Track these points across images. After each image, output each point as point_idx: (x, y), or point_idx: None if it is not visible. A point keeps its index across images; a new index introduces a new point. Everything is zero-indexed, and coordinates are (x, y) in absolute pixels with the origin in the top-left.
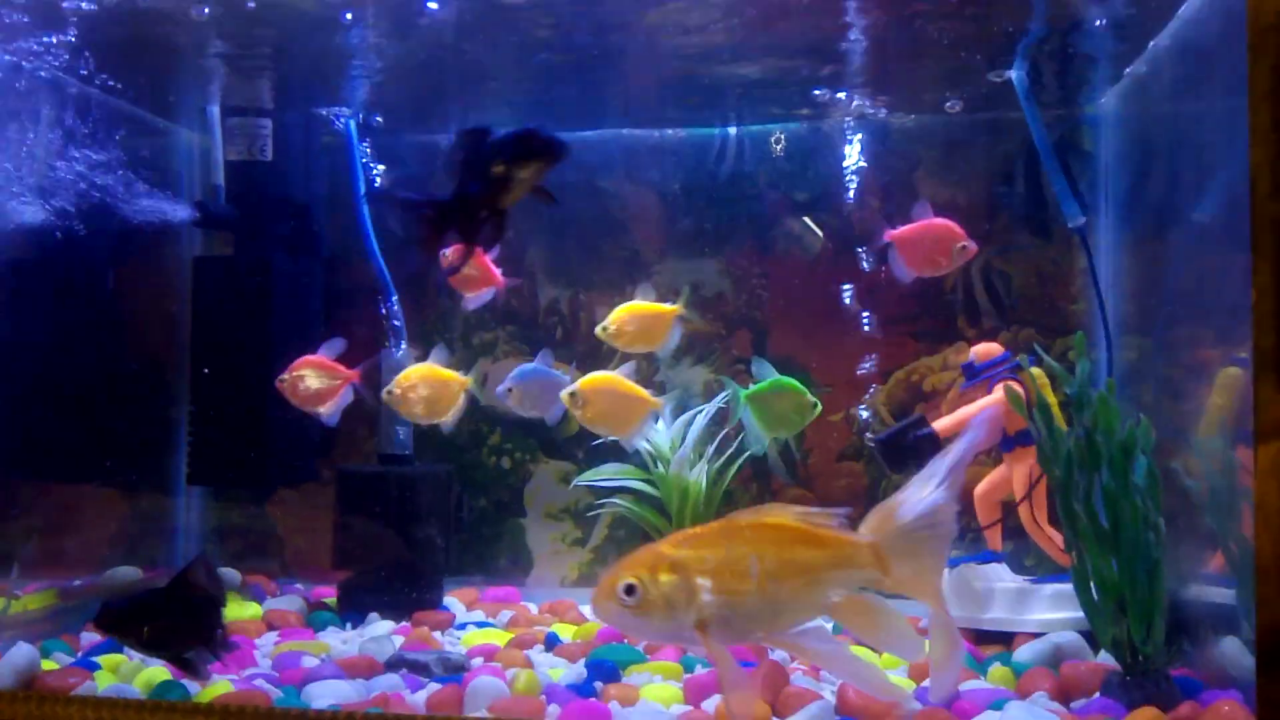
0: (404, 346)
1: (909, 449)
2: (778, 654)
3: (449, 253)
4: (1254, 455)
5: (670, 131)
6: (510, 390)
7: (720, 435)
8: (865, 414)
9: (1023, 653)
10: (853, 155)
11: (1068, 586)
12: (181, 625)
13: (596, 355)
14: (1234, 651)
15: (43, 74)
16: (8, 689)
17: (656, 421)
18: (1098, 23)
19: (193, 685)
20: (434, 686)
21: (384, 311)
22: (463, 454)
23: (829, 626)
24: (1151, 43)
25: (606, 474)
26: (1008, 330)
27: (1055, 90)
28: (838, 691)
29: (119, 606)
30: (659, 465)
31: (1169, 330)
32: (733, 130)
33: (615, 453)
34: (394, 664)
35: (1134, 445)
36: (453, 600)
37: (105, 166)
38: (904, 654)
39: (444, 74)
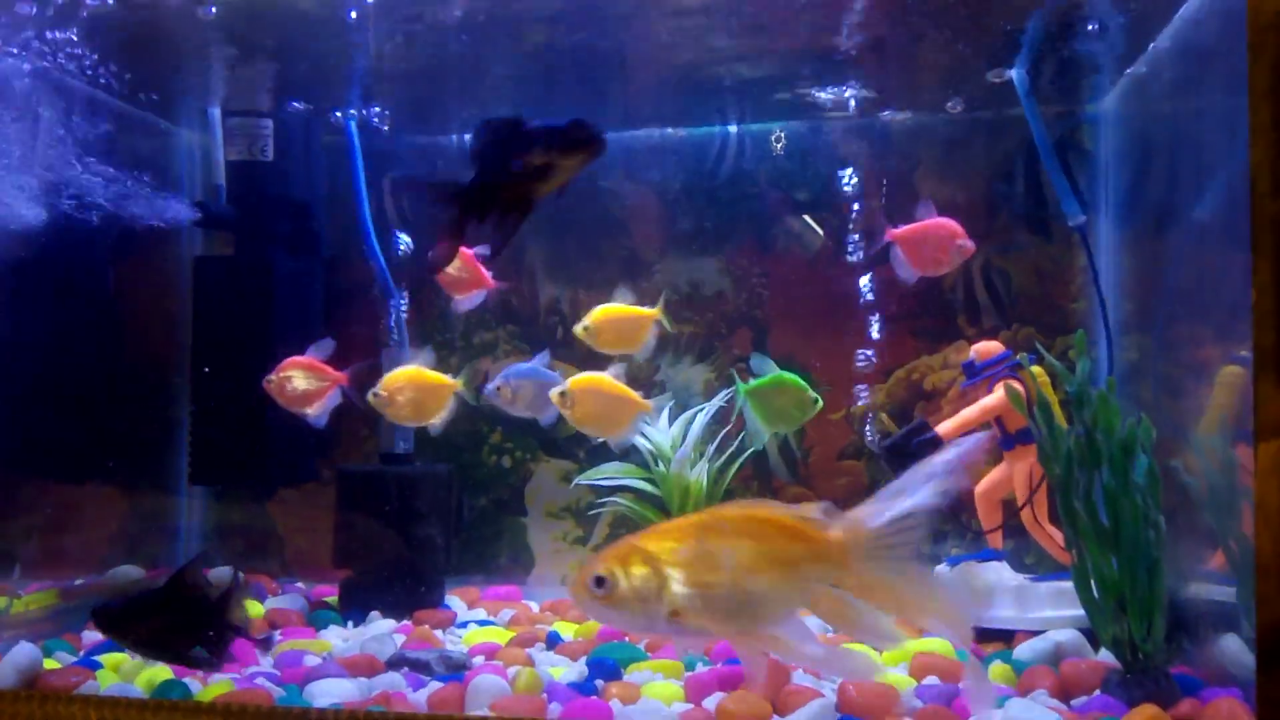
0: (407, 347)
1: (913, 454)
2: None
3: (433, 252)
4: (1254, 453)
5: (670, 130)
6: (499, 389)
7: (721, 434)
8: (869, 414)
9: (1023, 650)
10: (853, 154)
11: (1068, 584)
12: (178, 625)
13: (597, 356)
14: (1234, 649)
15: (44, 73)
16: (10, 688)
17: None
18: (1097, 24)
19: (194, 684)
20: (435, 685)
21: (389, 312)
22: (463, 453)
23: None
24: (1152, 44)
25: (607, 473)
26: (1008, 329)
27: (1055, 89)
28: (838, 689)
29: (115, 607)
30: (660, 464)
31: (1169, 329)
32: (733, 129)
33: (616, 452)
34: (395, 663)
35: (1134, 443)
36: (454, 599)
37: (106, 166)
38: (880, 645)
39: (445, 74)
